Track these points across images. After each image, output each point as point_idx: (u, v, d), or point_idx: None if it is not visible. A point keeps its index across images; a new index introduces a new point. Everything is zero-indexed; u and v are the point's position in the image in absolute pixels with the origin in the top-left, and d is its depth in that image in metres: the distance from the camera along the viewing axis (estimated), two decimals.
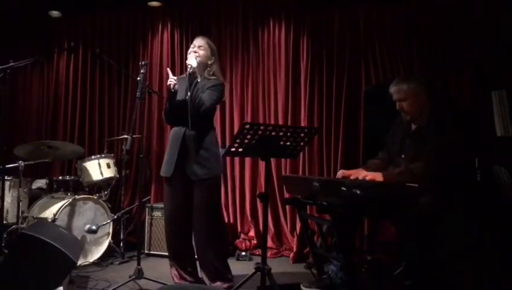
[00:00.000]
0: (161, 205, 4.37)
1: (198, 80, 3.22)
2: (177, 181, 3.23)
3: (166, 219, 3.33)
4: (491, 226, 2.81)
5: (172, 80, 3.11)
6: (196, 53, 3.22)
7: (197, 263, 3.37)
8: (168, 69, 3.28)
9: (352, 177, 2.81)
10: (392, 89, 3.01)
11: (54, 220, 3.71)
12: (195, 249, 3.33)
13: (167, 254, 4.13)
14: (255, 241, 4.51)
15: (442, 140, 2.73)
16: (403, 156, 2.94)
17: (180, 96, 3.17)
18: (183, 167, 3.18)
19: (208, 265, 3.23)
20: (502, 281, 2.61)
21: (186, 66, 3.16)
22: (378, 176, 2.68)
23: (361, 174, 2.78)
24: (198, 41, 3.29)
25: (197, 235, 3.27)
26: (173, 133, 3.28)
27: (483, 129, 3.57)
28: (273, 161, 4.43)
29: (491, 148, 3.49)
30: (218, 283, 3.21)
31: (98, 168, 4.24)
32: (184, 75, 3.24)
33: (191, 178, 3.17)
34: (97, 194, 4.21)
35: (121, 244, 4.22)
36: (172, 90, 3.13)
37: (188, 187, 3.23)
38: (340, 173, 3.01)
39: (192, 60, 3.15)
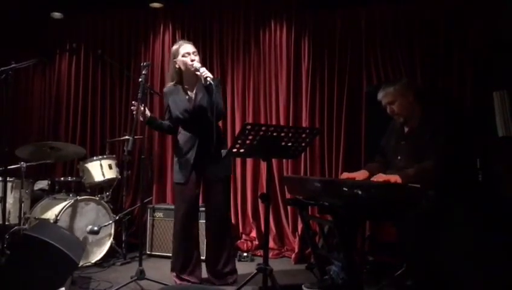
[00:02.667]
0: (163, 206, 4.40)
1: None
2: (190, 186, 3.29)
3: (181, 225, 3.32)
4: (491, 227, 2.81)
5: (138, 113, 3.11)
6: (194, 60, 3.22)
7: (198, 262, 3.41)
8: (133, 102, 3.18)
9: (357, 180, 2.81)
10: (380, 95, 3.05)
11: (55, 221, 3.71)
12: (207, 248, 3.42)
13: (169, 255, 4.16)
14: (256, 242, 4.51)
15: (442, 139, 2.74)
16: (399, 157, 2.95)
17: (182, 106, 3.25)
18: (199, 170, 3.25)
19: (220, 264, 3.34)
20: (502, 281, 2.60)
21: (205, 79, 3.07)
22: (395, 178, 2.64)
23: (378, 178, 2.71)
24: (192, 48, 3.28)
25: (213, 234, 3.35)
26: (185, 141, 3.30)
27: (485, 130, 3.57)
28: (274, 161, 4.42)
29: (493, 149, 3.49)
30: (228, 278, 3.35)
31: (100, 169, 4.25)
32: (171, 84, 3.35)
33: (209, 179, 3.27)
34: (99, 195, 4.21)
35: (123, 245, 4.22)
36: (142, 119, 3.19)
37: (197, 190, 3.33)
38: (343, 175, 3.01)
39: (207, 72, 3.10)
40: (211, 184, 3.31)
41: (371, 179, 2.81)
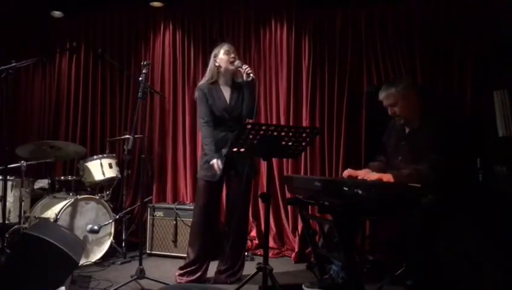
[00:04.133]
0: (163, 205, 4.40)
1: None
2: (216, 185, 3.34)
3: (201, 223, 3.36)
4: (492, 226, 2.81)
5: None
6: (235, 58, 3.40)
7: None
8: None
9: (359, 178, 2.80)
10: (381, 95, 3.02)
11: (56, 220, 3.71)
12: (227, 246, 3.41)
13: (168, 254, 4.18)
14: (256, 241, 4.51)
15: (440, 140, 2.74)
16: (400, 157, 2.95)
17: (221, 105, 3.33)
18: (229, 169, 3.32)
19: (238, 263, 3.42)
20: (503, 281, 2.60)
21: (248, 74, 3.26)
22: (388, 177, 2.68)
23: (370, 176, 2.77)
24: (232, 48, 3.42)
25: (234, 234, 3.35)
26: (218, 139, 3.33)
27: (485, 129, 3.57)
28: (274, 161, 4.42)
29: (493, 149, 3.49)
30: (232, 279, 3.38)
31: (100, 168, 4.25)
32: (207, 83, 3.41)
33: (237, 178, 3.33)
34: (99, 194, 4.21)
35: (123, 244, 4.22)
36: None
37: (221, 190, 3.42)
38: (347, 172, 3.00)
39: (249, 68, 3.30)
40: (238, 183, 3.34)
41: (364, 177, 2.82)
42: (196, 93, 3.46)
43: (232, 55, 3.37)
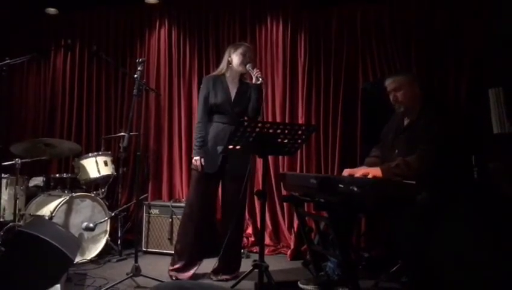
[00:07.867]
0: (159, 203, 4.39)
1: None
2: (213, 179, 3.34)
3: (193, 218, 3.34)
4: (487, 224, 2.82)
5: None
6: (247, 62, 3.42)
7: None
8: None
9: (356, 175, 2.82)
10: (388, 81, 3.11)
11: (51, 217, 3.70)
12: (225, 244, 3.38)
13: (164, 251, 4.17)
14: (252, 239, 4.51)
15: (431, 132, 2.77)
16: (396, 151, 2.97)
17: (223, 96, 3.36)
18: (224, 165, 3.31)
19: (234, 261, 3.42)
20: (499, 279, 2.62)
21: (257, 77, 3.26)
22: (377, 172, 2.71)
23: (360, 172, 2.79)
24: (249, 53, 3.45)
25: (232, 230, 3.33)
26: (218, 131, 3.33)
27: (480, 126, 3.58)
28: (270, 158, 4.43)
29: (488, 146, 3.51)
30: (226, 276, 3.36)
31: (95, 166, 4.23)
32: (215, 75, 3.46)
33: (232, 174, 3.31)
34: (94, 192, 4.20)
35: (119, 242, 4.21)
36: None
37: (217, 185, 3.39)
38: (346, 171, 3.01)
39: (259, 72, 3.31)
40: (235, 181, 3.32)
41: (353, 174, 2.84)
42: (202, 85, 3.50)
43: (247, 58, 3.40)
